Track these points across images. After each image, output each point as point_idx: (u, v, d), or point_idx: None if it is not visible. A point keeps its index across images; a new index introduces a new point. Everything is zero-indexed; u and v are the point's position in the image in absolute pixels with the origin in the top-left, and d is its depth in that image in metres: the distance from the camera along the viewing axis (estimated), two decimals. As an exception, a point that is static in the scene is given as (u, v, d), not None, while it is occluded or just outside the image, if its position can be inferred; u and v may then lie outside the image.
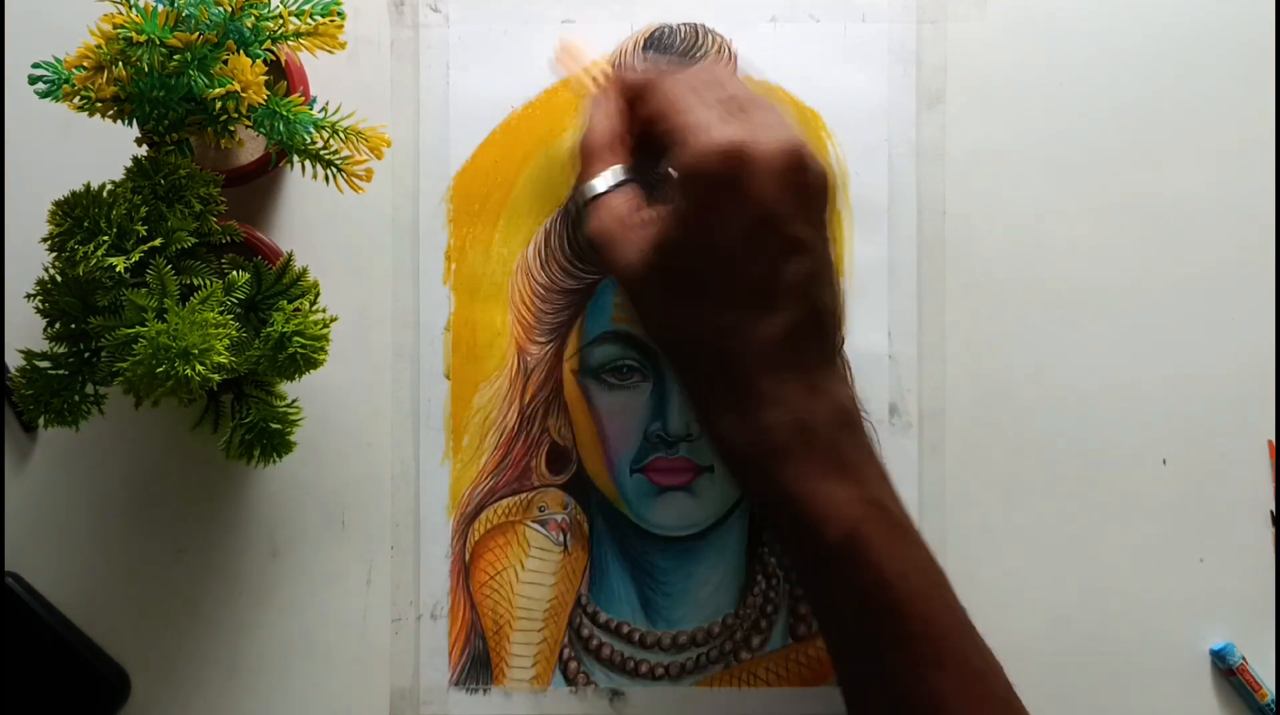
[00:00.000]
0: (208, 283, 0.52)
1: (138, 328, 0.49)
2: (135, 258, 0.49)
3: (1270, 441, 0.59)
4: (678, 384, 0.58)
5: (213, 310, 0.50)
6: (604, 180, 0.54)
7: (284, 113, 0.52)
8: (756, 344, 0.51)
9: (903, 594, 0.50)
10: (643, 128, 0.54)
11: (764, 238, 0.50)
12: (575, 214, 0.56)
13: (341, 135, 0.53)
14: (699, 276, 0.51)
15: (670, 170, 0.52)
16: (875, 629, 0.50)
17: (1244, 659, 0.58)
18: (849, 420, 0.52)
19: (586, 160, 0.55)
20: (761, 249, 0.51)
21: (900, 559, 0.50)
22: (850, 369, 0.59)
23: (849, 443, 0.52)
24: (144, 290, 0.50)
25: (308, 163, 0.54)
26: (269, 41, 0.51)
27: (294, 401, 0.54)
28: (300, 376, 0.52)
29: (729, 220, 0.50)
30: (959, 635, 0.51)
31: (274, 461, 0.54)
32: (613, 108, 0.56)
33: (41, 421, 0.52)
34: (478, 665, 0.59)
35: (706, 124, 0.51)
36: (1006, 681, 0.51)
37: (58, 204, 0.50)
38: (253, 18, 0.50)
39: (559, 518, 0.60)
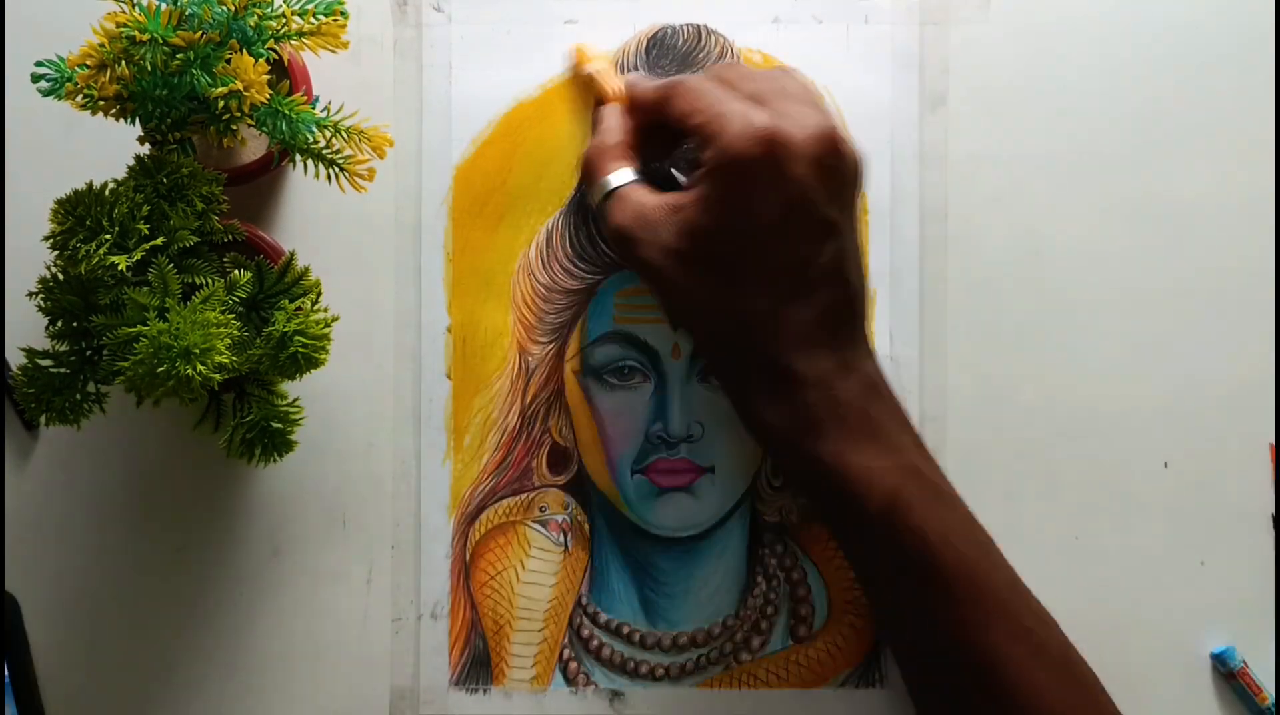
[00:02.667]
0: (209, 282, 0.52)
1: (139, 327, 0.49)
2: (137, 256, 0.49)
3: (1271, 445, 0.59)
4: (709, 368, 0.58)
5: (214, 309, 0.50)
6: (618, 176, 0.55)
7: (286, 112, 0.52)
8: (791, 326, 0.52)
9: (947, 556, 0.51)
10: (673, 126, 0.54)
11: (798, 221, 0.51)
12: (595, 212, 0.56)
13: (344, 134, 0.53)
14: (731, 261, 0.52)
15: (698, 158, 0.52)
16: (923, 593, 0.51)
17: (1244, 662, 0.58)
18: (880, 391, 0.53)
19: (597, 162, 0.56)
20: (795, 232, 0.51)
21: (941, 522, 0.51)
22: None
23: (882, 412, 0.53)
24: (146, 289, 0.50)
25: (310, 162, 0.54)
26: (272, 40, 0.51)
27: (295, 400, 0.54)
28: (302, 376, 0.52)
29: (764, 204, 0.51)
30: (1008, 592, 0.52)
31: (275, 461, 0.54)
32: (620, 117, 0.57)
33: (43, 420, 0.52)
34: (478, 665, 0.59)
35: (740, 112, 0.51)
36: (1062, 636, 0.52)
37: (60, 202, 0.50)
38: (256, 17, 0.50)
39: (559, 518, 0.60)
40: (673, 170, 0.57)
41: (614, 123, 0.57)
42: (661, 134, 0.56)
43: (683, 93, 0.54)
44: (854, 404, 0.52)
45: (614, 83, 0.58)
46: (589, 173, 0.56)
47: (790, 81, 0.54)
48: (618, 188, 0.55)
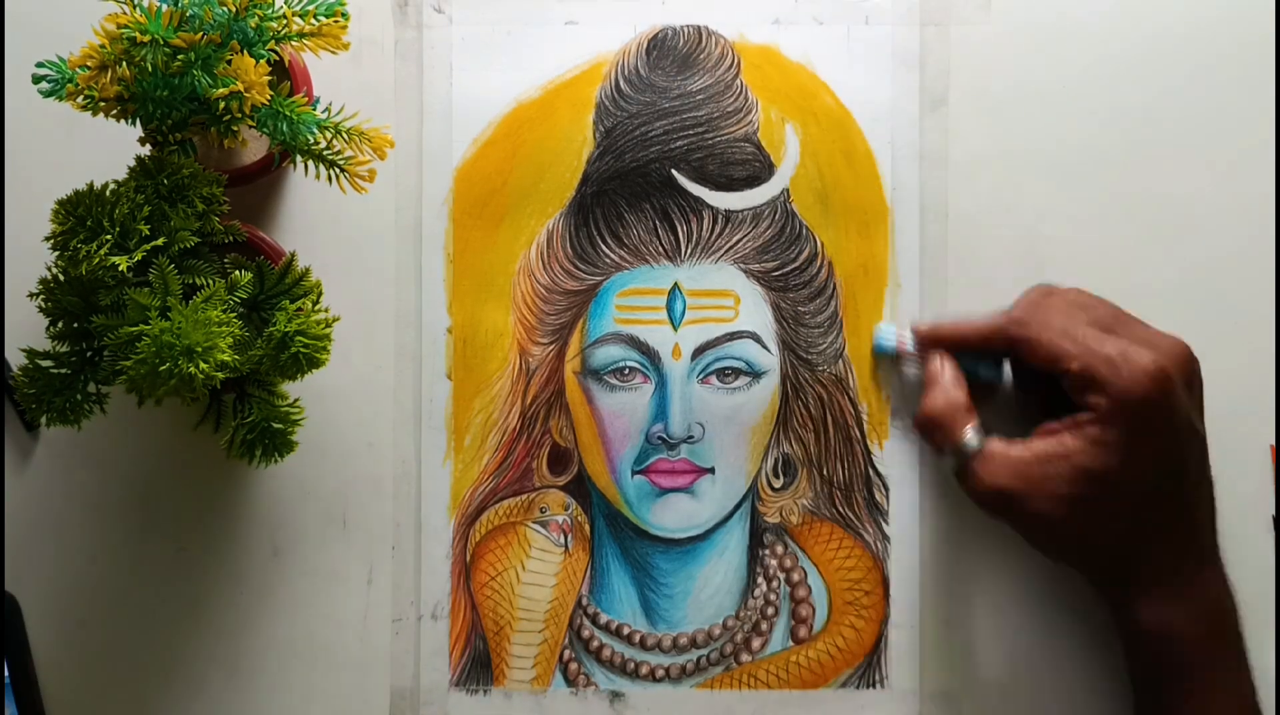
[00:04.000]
0: (210, 282, 0.52)
1: (141, 326, 0.49)
2: (138, 257, 0.49)
3: (1271, 446, 0.59)
4: (1095, 586, 0.57)
5: (216, 309, 0.50)
6: (974, 436, 0.55)
7: (287, 113, 0.52)
8: (1183, 537, 0.54)
9: None
10: (1035, 364, 0.55)
11: (1189, 442, 0.54)
12: (955, 473, 0.56)
13: (344, 135, 0.53)
14: (1135, 496, 0.53)
15: (1079, 400, 0.53)
16: None
17: None
18: (1237, 617, 0.56)
19: (949, 424, 0.55)
20: (1188, 452, 0.54)
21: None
22: (854, 373, 0.59)
23: (1239, 636, 0.55)
24: (146, 289, 0.50)
25: (311, 163, 0.54)
26: (273, 42, 0.51)
27: (296, 401, 0.54)
28: (302, 376, 0.52)
29: (1163, 439, 0.53)
30: None
31: (276, 461, 0.54)
32: (953, 372, 0.57)
33: (44, 420, 0.52)
34: (478, 666, 0.59)
35: (1121, 352, 0.53)
36: None
37: (61, 203, 0.50)
38: (257, 18, 0.50)
39: (560, 519, 0.60)
40: (1091, 400, 0.54)
41: (950, 373, 0.57)
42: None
43: (1039, 329, 0.54)
44: (1226, 627, 0.55)
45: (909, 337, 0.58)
46: (938, 434, 0.56)
47: (1119, 311, 0.56)
48: (979, 448, 0.55)
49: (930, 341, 0.58)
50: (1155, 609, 0.54)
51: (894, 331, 0.59)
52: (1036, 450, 0.53)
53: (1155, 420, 0.52)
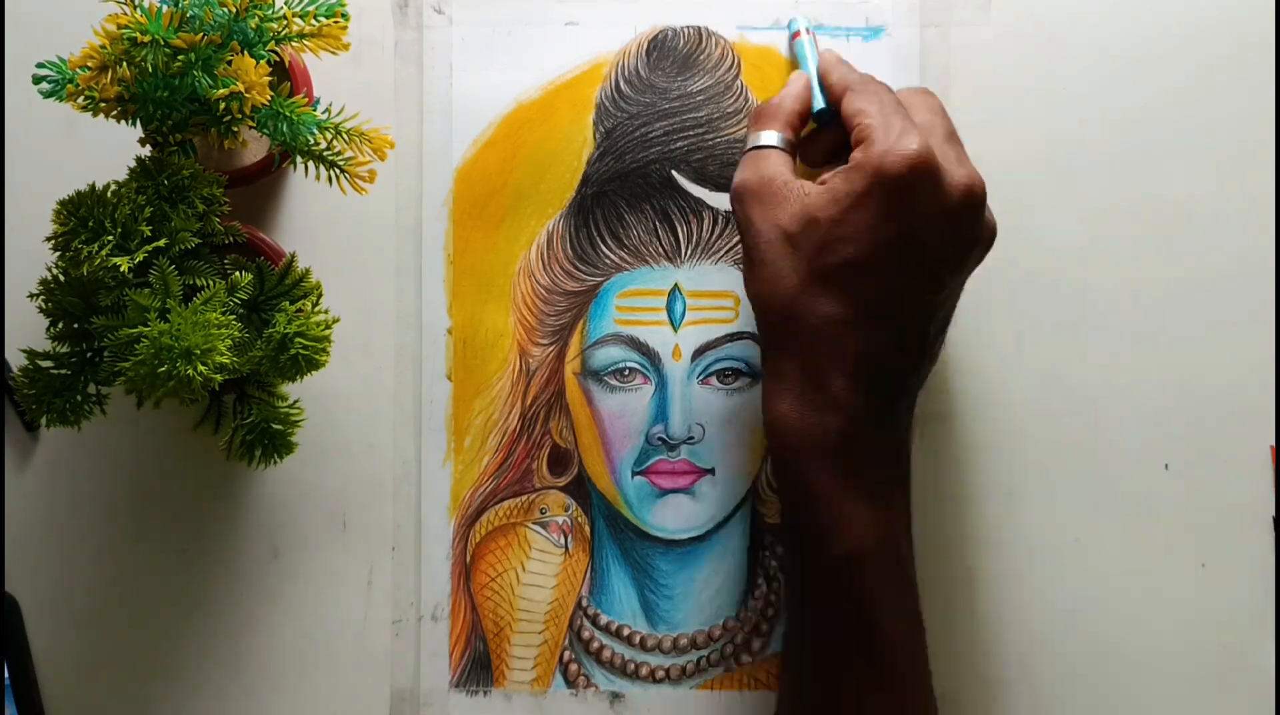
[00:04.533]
0: (210, 283, 0.52)
1: (140, 328, 0.49)
2: (140, 258, 0.49)
3: (1272, 446, 0.59)
4: (760, 340, 0.55)
5: (215, 311, 0.50)
6: (768, 136, 0.55)
7: (287, 113, 0.52)
8: (855, 344, 0.51)
9: (887, 640, 0.51)
10: (842, 115, 0.54)
11: (908, 255, 0.50)
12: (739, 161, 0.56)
13: (344, 136, 0.53)
14: (829, 260, 0.51)
15: (852, 156, 0.52)
16: (842, 661, 0.51)
17: None
18: (900, 455, 0.53)
19: (759, 116, 0.56)
20: (900, 263, 0.50)
21: (887, 604, 0.51)
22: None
23: (892, 477, 0.53)
24: (147, 291, 0.50)
25: (311, 164, 0.54)
26: (273, 42, 0.51)
27: (295, 402, 0.54)
28: (302, 377, 0.52)
29: (885, 224, 0.50)
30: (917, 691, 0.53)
31: (275, 462, 0.54)
32: (804, 89, 0.56)
33: (44, 421, 0.52)
34: (478, 667, 0.59)
35: (905, 130, 0.51)
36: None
37: (62, 203, 0.50)
38: (257, 19, 0.50)
39: (560, 520, 0.60)
40: (853, 156, 0.54)
41: (795, 90, 0.56)
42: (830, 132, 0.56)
43: (866, 91, 0.54)
44: (871, 452, 0.52)
45: (815, 56, 0.58)
46: (750, 123, 0.56)
47: (953, 130, 0.54)
48: (761, 146, 0.54)
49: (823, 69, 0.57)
50: (778, 405, 0.52)
51: (801, 27, 0.59)
52: (794, 179, 0.53)
53: (888, 200, 0.50)
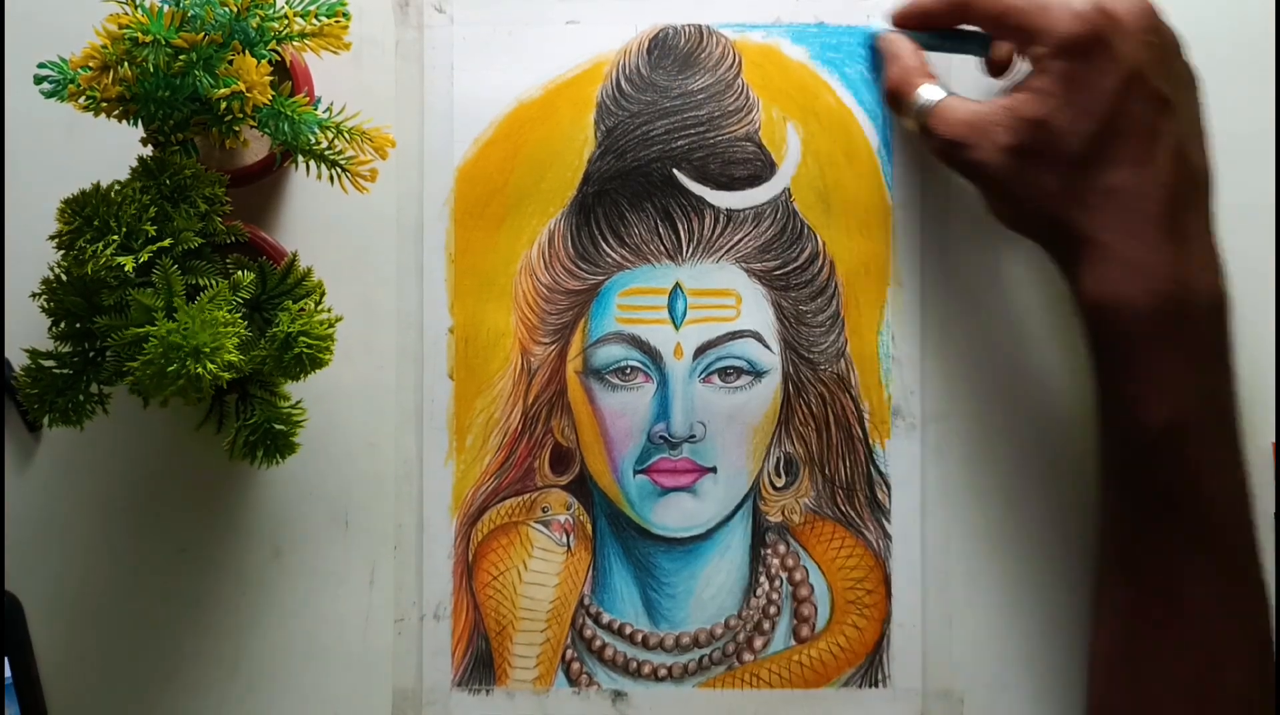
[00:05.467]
0: (213, 283, 0.52)
1: (148, 327, 0.49)
2: (144, 257, 0.49)
3: (1272, 444, 0.59)
4: (1056, 258, 0.55)
5: (222, 309, 0.50)
6: (931, 91, 0.55)
7: (289, 113, 0.52)
8: (1136, 204, 0.51)
9: (1202, 507, 0.51)
10: (985, 28, 0.55)
11: (1137, 96, 0.51)
12: (918, 134, 0.56)
13: (346, 135, 0.53)
14: (1075, 146, 0.51)
15: (1023, 55, 0.53)
16: (1169, 539, 0.51)
17: None
18: (1218, 307, 0.52)
19: (904, 85, 0.56)
20: (1135, 108, 0.51)
21: (1214, 470, 0.51)
22: (855, 371, 0.59)
23: (1215, 333, 0.52)
24: (150, 290, 0.50)
25: (312, 163, 0.54)
26: (274, 42, 0.51)
27: (298, 402, 0.54)
28: (306, 376, 0.52)
29: (1102, 81, 0.51)
30: (1244, 559, 0.52)
31: (278, 462, 0.54)
32: (908, 41, 0.57)
33: (46, 420, 0.52)
34: (480, 666, 0.59)
35: (1059, 2, 0.52)
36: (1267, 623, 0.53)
37: (67, 202, 0.50)
38: (258, 18, 0.50)
39: (562, 518, 0.60)
40: (1024, 56, 0.55)
41: (906, 46, 0.57)
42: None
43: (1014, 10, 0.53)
44: (1189, 313, 0.51)
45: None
46: (897, 97, 0.56)
47: None
48: (935, 102, 0.55)
49: (901, 24, 0.58)
50: (1096, 278, 0.52)
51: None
52: (990, 104, 0.53)
53: (1091, 63, 0.51)
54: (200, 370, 0.48)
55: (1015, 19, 0.53)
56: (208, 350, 0.48)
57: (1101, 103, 0.51)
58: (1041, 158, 0.52)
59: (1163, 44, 0.53)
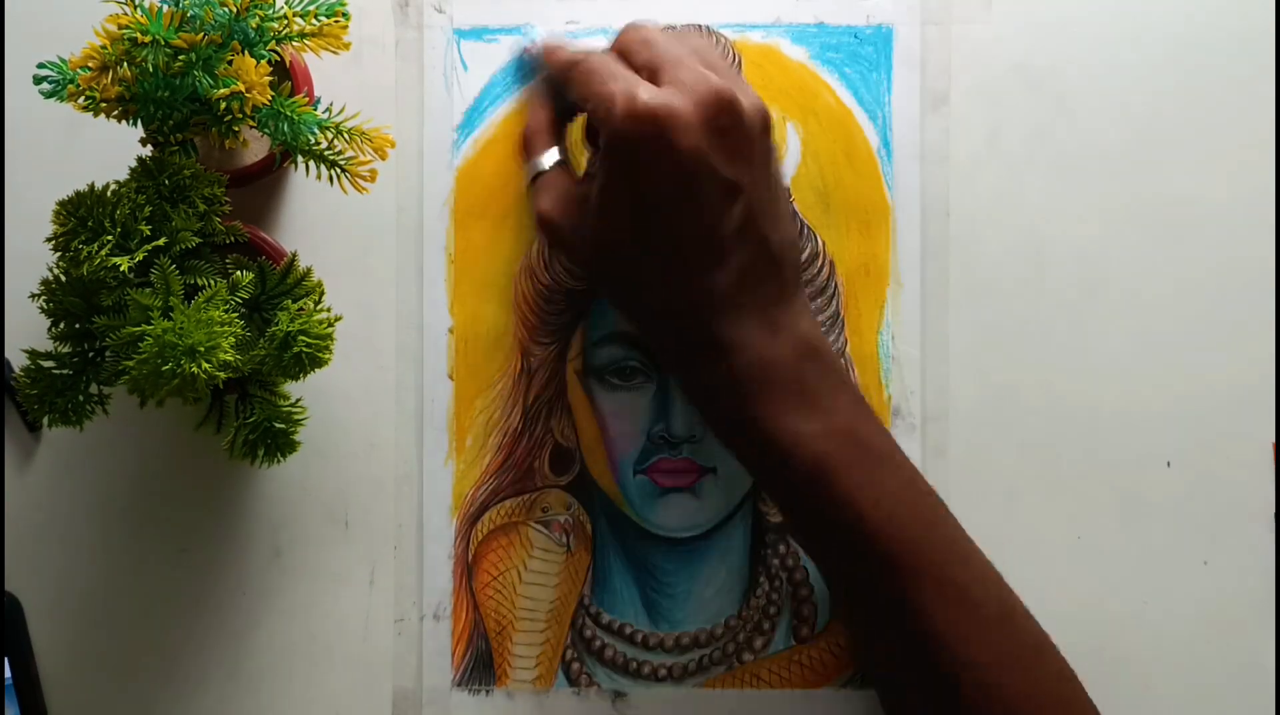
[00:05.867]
0: (212, 283, 0.52)
1: (144, 326, 0.49)
2: (139, 257, 0.49)
3: (1274, 444, 0.59)
4: (653, 345, 0.57)
5: (218, 309, 0.50)
6: (547, 158, 0.55)
7: (288, 113, 0.52)
8: (709, 293, 0.51)
9: (877, 523, 0.50)
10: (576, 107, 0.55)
11: (696, 190, 0.50)
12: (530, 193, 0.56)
13: (345, 136, 0.53)
14: (639, 240, 0.51)
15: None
16: (854, 559, 0.51)
17: None
18: (813, 352, 0.52)
19: (526, 143, 0.56)
20: (695, 201, 0.50)
21: (874, 486, 0.51)
22: (855, 371, 0.59)
23: (815, 373, 0.52)
24: (148, 290, 0.50)
25: (312, 163, 0.54)
26: (274, 42, 0.51)
27: (298, 401, 0.54)
28: (305, 376, 0.52)
29: (656, 180, 0.50)
30: (943, 553, 0.51)
31: (278, 461, 0.54)
32: (547, 93, 0.57)
33: (46, 421, 0.52)
34: (480, 666, 0.59)
35: (624, 91, 0.50)
36: (1003, 591, 0.52)
37: (62, 204, 0.50)
38: (257, 18, 0.50)
39: (562, 519, 0.60)
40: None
41: (537, 101, 0.57)
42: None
43: (579, 73, 0.53)
44: (783, 366, 0.51)
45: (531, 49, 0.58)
46: (521, 153, 0.56)
47: (694, 41, 0.53)
48: (544, 172, 0.55)
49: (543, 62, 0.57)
50: (694, 375, 0.52)
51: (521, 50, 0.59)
52: (577, 188, 0.53)
53: (644, 162, 0.50)
54: (195, 370, 0.48)
55: (588, 107, 0.52)
56: (203, 350, 0.48)
57: (657, 203, 0.50)
58: (613, 247, 0.52)
59: (734, 129, 0.51)
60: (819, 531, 0.52)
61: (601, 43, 0.57)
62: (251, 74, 0.50)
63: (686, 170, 0.50)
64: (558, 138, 0.56)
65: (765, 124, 0.52)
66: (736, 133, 0.51)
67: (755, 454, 0.52)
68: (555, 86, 0.56)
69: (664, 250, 0.51)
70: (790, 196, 0.57)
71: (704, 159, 0.50)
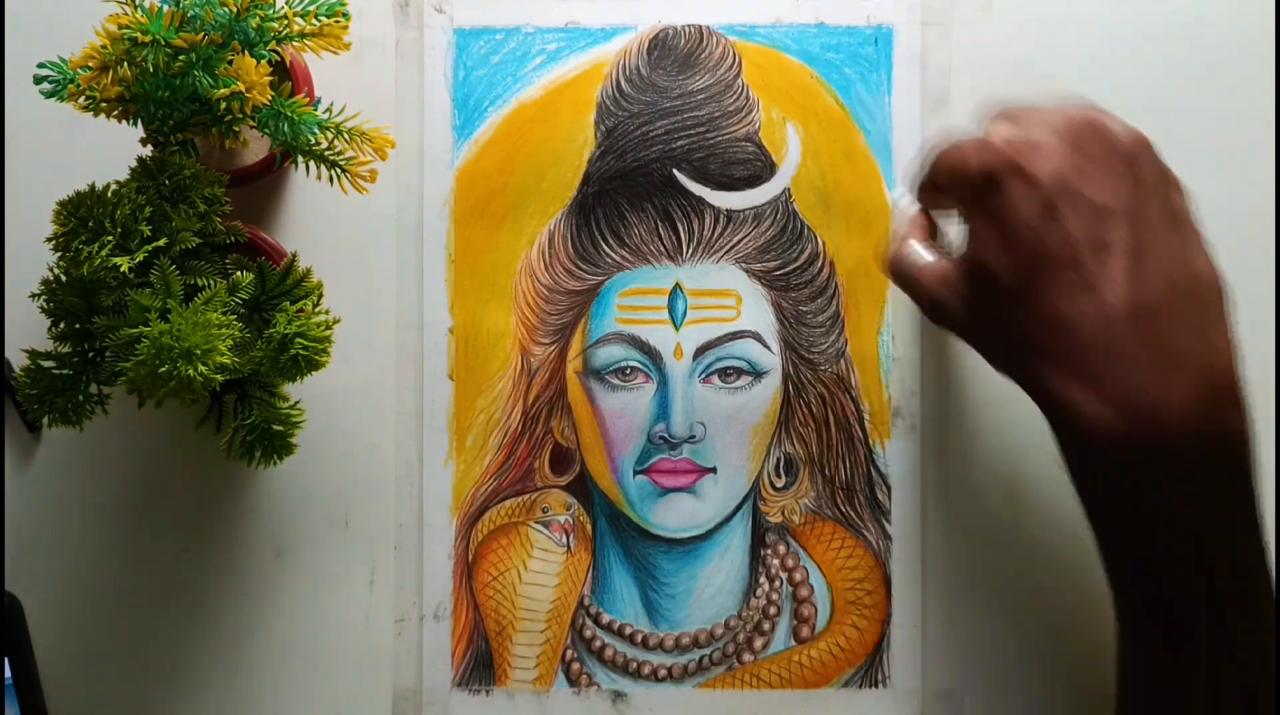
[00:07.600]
0: (212, 283, 0.52)
1: (141, 328, 0.49)
2: (139, 257, 0.49)
3: (1272, 443, 0.59)
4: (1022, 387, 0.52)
5: (216, 310, 0.50)
6: (925, 251, 0.53)
7: (288, 113, 0.52)
8: (1088, 324, 0.47)
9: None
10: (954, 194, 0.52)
11: (1067, 213, 0.47)
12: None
13: (345, 136, 0.53)
14: (1008, 285, 0.48)
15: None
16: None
17: None
18: (1214, 432, 0.50)
19: (897, 269, 0.54)
20: (1067, 226, 0.47)
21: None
22: (855, 372, 0.59)
23: (1206, 459, 0.49)
24: (148, 290, 0.50)
25: (312, 163, 0.54)
26: (274, 42, 0.51)
27: (296, 403, 0.54)
28: (302, 378, 0.52)
29: (1021, 211, 0.47)
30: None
31: (275, 463, 0.54)
32: (918, 218, 0.55)
33: (46, 421, 0.52)
34: (480, 666, 0.59)
35: (972, 141, 0.49)
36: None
37: (62, 204, 0.50)
38: (258, 18, 0.50)
39: (562, 519, 0.60)
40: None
41: (911, 213, 0.55)
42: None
43: (937, 155, 0.51)
44: (1157, 438, 0.47)
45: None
46: (900, 281, 0.53)
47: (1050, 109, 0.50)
48: (921, 264, 0.52)
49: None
50: (1074, 392, 0.48)
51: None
52: (944, 267, 0.51)
53: (1008, 193, 0.47)
54: (191, 372, 0.48)
55: (945, 176, 0.50)
56: (199, 352, 0.48)
57: (1024, 231, 0.47)
58: (991, 299, 0.49)
59: (1104, 151, 0.48)
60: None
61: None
62: (252, 74, 0.50)
63: (1050, 194, 0.47)
64: (932, 235, 0.54)
65: (1142, 145, 0.49)
66: (1108, 154, 0.48)
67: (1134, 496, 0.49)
68: (927, 192, 0.53)
69: (1042, 283, 0.47)
70: (1198, 228, 0.50)
71: (1067, 184, 0.47)
